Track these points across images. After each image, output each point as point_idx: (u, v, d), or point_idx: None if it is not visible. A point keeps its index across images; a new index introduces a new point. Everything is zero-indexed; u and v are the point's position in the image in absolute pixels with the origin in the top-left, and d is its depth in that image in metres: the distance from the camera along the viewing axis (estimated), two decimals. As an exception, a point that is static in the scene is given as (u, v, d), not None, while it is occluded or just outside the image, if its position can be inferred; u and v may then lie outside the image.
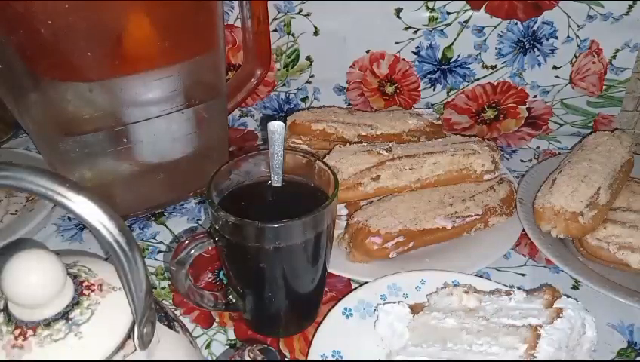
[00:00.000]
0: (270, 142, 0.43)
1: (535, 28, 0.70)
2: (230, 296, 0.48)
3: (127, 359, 0.28)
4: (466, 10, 0.70)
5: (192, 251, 0.43)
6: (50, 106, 0.53)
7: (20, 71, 0.50)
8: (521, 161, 0.77)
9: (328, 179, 0.46)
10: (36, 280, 0.26)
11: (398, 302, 0.48)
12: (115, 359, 0.28)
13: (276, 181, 0.45)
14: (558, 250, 0.57)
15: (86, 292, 0.29)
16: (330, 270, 0.51)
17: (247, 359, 0.33)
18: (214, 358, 0.48)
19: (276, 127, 0.43)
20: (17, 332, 0.26)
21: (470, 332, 0.42)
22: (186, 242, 0.43)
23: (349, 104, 0.81)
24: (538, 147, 0.79)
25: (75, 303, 0.28)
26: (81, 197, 0.24)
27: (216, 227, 0.42)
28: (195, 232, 0.62)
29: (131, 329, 0.28)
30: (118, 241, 0.25)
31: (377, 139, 0.67)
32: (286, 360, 0.48)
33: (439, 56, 0.74)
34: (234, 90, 0.74)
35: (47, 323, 0.27)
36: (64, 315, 0.27)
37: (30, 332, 0.26)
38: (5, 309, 0.27)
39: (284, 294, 0.47)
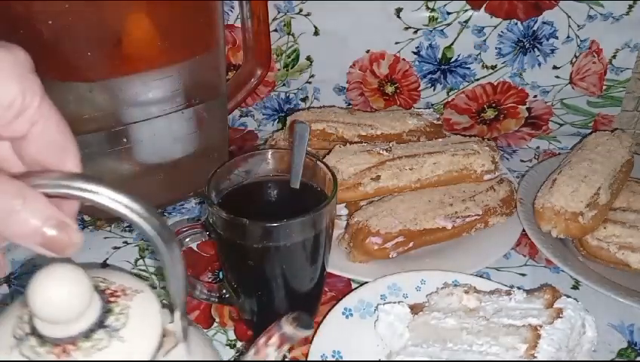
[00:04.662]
0: (294, 143, 0.44)
1: (535, 28, 0.70)
2: (224, 290, 0.48)
3: (170, 354, 0.29)
4: (466, 10, 0.70)
5: (187, 240, 0.43)
6: (50, 106, 0.53)
7: (19, 71, 0.50)
8: (521, 161, 0.77)
9: (328, 179, 0.46)
10: (68, 295, 0.26)
11: (398, 302, 0.48)
12: (159, 356, 0.28)
13: (294, 182, 0.46)
14: (558, 249, 0.57)
15: (112, 299, 0.29)
16: (330, 270, 0.51)
17: (286, 328, 0.34)
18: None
19: (302, 128, 0.43)
20: (57, 350, 0.26)
21: (470, 333, 0.42)
22: (183, 230, 0.43)
23: (349, 104, 0.81)
24: (538, 147, 0.79)
25: (105, 311, 0.28)
26: (122, 196, 0.25)
27: (211, 221, 0.43)
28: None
29: (163, 327, 0.29)
30: (160, 234, 0.26)
31: (377, 139, 0.67)
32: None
33: (439, 56, 0.74)
34: (234, 90, 0.74)
35: (86, 334, 0.27)
36: (100, 324, 0.27)
37: (71, 346, 0.26)
38: (33, 333, 0.27)
39: (282, 293, 0.47)
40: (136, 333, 0.28)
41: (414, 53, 0.74)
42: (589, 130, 0.76)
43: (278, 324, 0.34)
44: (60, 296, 0.25)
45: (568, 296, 0.43)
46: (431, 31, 0.72)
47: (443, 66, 0.75)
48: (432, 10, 0.70)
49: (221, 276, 0.57)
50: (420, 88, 0.77)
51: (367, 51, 0.75)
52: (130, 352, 0.27)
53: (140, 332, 0.28)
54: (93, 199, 0.24)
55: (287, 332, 0.33)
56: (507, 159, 0.77)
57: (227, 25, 0.74)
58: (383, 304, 0.48)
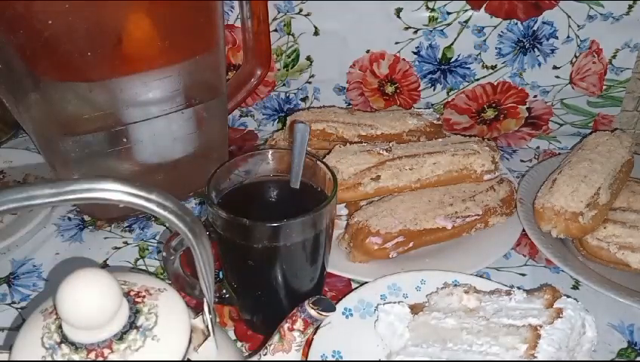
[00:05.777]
0: (294, 144, 0.44)
1: (535, 28, 0.70)
2: (224, 290, 0.48)
3: (202, 347, 0.30)
4: (466, 10, 0.70)
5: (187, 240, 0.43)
6: (50, 106, 0.53)
7: (20, 71, 0.50)
8: (521, 161, 0.77)
9: (328, 179, 0.46)
10: (99, 300, 0.26)
11: (398, 302, 0.48)
12: (190, 350, 0.28)
13: (294, 182, 0.45)
14: (558, 249, 0.57)
15: (138, 299, 0.29)
16: (330, 270, 0.51)
17: (310, 311, 0.35)
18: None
19: (302, 128, 0.43)
20: (93, 354, 0.26)
21: (470, 333, 0.42)
22: None
23: (349, 104, 0.81)
24: (538, 147, 0.79)
25: (134, 312, 0.28)
26: (154, 196, 0.26)
27: (211, 221, 0.43)
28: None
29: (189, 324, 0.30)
30: (192, 230, 0.27)
31: (377, 139, 0.67)
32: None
33: (439, 56, 0.74)
34: (234, 90, 0.74)
35: (119, 337, 0.27)
36: (131, 325, 0.27)
37: (107, 350, 0.26)
38: (64, 341, 0.27)
39: (282, 293, 0.47)
40: (167, 331, 0.28)
41: (414, 53, 0.74)
42: (589, 130, 0.76)
43: (300, 309, 0.35)
44: (91, 301, 0.25)
45: (568, 296, 0.42)
46: (431, 31, 0.72)
47: (443, 66, 0.75)
48: (432, 10, 0.70)
49: (221, 276, 0.57)
50: (420, 88, 0.77)
51: (367, 51, 0.75)
52: (165, 350, 0.27)
53: (170, 329, 0.28)
54: (122, 199, 0.24)
55: (312, 315, 0.34)
56: (507, 159, 0.77)
57: (227, 25, 0.74)
58: (383, 304, 0.48)
